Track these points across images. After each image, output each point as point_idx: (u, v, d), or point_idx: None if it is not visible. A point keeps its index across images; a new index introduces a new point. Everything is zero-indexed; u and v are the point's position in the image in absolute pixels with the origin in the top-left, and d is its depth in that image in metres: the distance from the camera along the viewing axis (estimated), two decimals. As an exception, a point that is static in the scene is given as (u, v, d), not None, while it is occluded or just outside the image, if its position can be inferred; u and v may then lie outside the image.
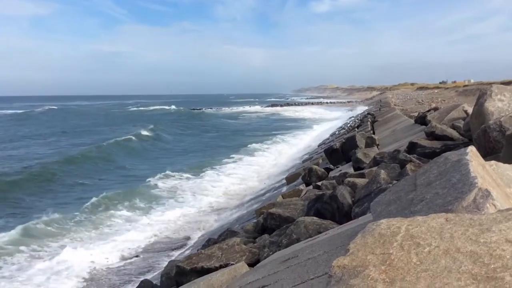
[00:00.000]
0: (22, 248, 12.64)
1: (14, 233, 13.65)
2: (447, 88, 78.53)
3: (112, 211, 16.24)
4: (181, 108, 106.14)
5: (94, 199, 17.40)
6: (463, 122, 11.19)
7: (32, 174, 23.15)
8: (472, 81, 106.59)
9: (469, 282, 1.69)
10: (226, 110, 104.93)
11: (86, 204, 16.98)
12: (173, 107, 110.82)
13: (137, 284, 8.33)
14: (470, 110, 12.25)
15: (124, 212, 16.14)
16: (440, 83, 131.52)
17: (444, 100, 45.17)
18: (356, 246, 2.10)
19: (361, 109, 59.14)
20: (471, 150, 3.43)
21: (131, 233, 13.72)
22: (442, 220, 2.22)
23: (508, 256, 1.78)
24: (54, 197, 19.86)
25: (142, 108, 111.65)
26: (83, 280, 10.69)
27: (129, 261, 11.77)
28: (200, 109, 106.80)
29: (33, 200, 19.24)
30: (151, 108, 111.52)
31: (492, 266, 1.74)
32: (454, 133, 9.95)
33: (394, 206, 3.37)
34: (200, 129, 54.72)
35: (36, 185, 21.68)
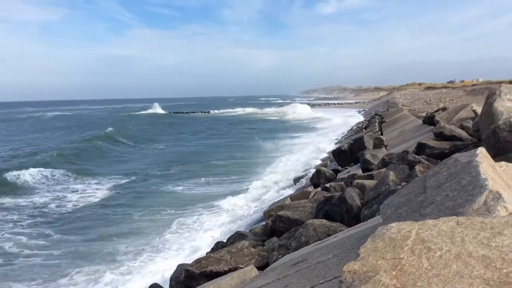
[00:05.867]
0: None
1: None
2: (455, 87, 78.05)
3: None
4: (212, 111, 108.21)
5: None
6: (472, 122, 11.10)
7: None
8: (480, 80, 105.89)
9: (481, 287, 1.67)
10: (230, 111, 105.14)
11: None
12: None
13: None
14: (479, 110, 12.17)
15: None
16: (448, 82, 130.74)
17: (452, 100, 44.89)
18: (366, 251, 2.09)
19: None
20: (481, 151, 3.40)
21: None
22: (453, 223, 2.20)
23: (521, 261, 1.76)
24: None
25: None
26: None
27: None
28: (208, 111, 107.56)
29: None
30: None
31: (505, 270, 1.72)
32: (463, 134, 9.88)
33: (404, 209, 3.34)
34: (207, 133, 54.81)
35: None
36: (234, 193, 18.29)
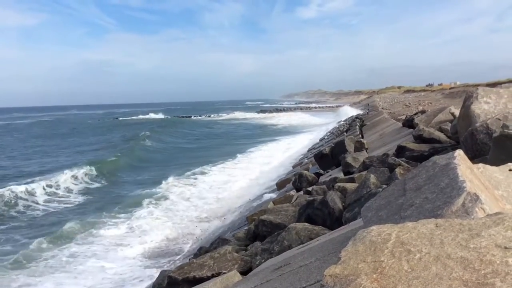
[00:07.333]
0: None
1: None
2: (434, 90, 79.33)
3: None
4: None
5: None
6: (450, 124, 11.28)
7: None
8: (458, 83, 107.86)
9: (460, 288, 1.69)
10: (215, 117, 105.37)
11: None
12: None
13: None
14: (457, 112, 12.36)
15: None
16: (427, 85, 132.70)
17: (431, 103, 45.60)
18: (347, 254, 2.10)
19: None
20: (459, 153, 3.45)
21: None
22: (432, 225, 2.23)
23: (498, 262, 1.79)
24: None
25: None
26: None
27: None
28: (189, 116, 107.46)
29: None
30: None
31: (483, 272, 1.75)
32: (442, 136, 10.03)
33: (384, 212, 3.37)
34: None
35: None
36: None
